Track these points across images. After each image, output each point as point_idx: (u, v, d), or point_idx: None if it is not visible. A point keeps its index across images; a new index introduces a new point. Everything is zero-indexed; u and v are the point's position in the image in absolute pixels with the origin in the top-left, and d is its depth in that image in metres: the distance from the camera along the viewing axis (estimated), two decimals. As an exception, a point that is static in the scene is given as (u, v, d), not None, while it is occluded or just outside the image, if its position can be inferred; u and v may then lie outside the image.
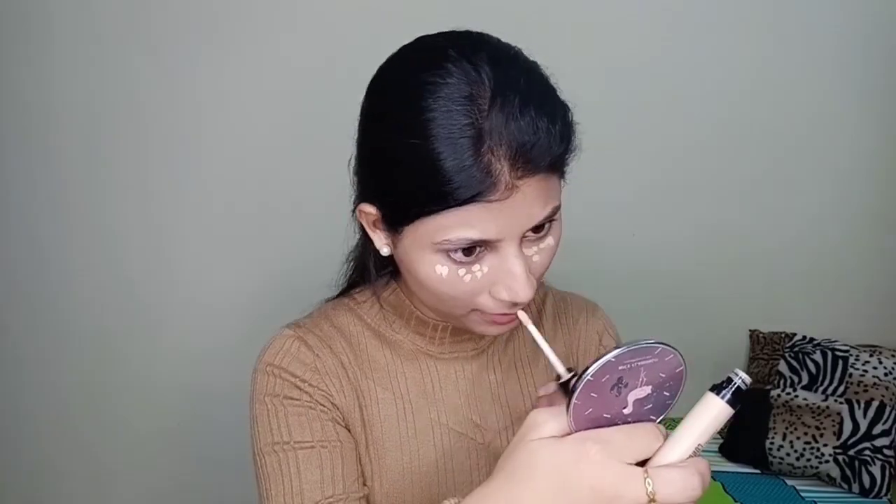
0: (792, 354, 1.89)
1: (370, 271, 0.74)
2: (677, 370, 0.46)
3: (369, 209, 0.64)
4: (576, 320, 0.82)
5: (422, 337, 0.75)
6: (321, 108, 1.64)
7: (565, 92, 0.63)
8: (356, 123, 0.65)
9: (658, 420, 0.47)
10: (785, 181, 1.97)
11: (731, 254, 1.99)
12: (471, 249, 0.59)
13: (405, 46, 0.63)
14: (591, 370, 0.43)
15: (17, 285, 1.79)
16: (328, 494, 0.66)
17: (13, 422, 1.85)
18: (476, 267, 0.60)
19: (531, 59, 0.62)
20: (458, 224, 0.57)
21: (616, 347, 0.43)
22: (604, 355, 0.43)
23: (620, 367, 0.43)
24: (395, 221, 0.62)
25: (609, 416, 0.45)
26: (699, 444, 0.45)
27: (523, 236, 0.60)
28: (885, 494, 1.70)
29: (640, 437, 0.45)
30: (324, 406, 0.70)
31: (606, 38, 1.78)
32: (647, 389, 0.45)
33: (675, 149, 1.90)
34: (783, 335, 1.96)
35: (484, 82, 0.56)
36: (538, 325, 0.79)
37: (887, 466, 1.71)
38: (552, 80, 0.62)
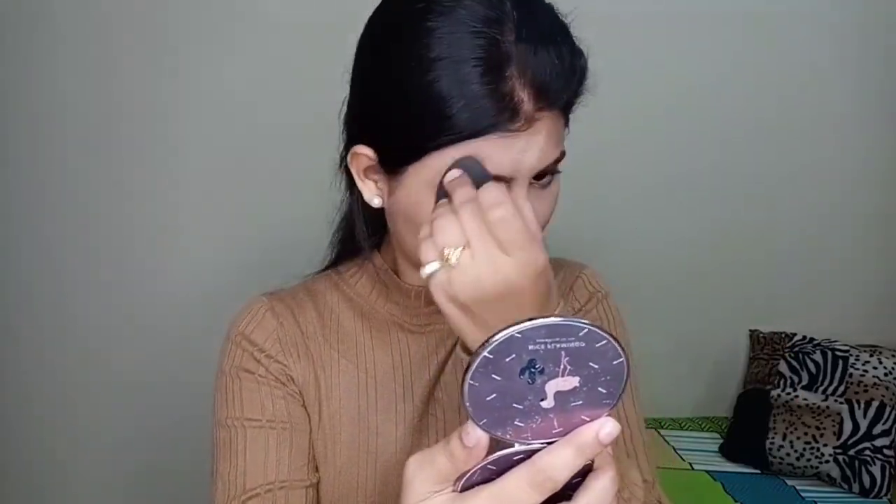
0: (792, 354, 1.89)
1: (360, 229, 0.70)
2: (615, 363, 0.37)
3: (364, 151, 0.61)
4: (570, 285, 0.77)
5: (397, 306, 0.72)
6: (316, 105, 1.64)
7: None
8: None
9: (591, 420, 0.39)
10: (785, 181, 1.97)
11: (731, 254, 1.99)
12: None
13: None
14: (488, 346, 0.35)
15: (6, 277, 1.79)
16: (270, 479, 0.64)
17: (10, 419, 1.85)
18: None
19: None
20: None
21: (528, 320, 0.35)
22: (507, 327, 0.35)
23: (531, 347, 0.36)
24: (397, 162, 0.58)
25: (521, 406, 0.38)
26: None
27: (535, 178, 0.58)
28: (885, 494, 1.70)
29: (509, 495, 0.37)
30: (279, 381, 0.68)
31: (608, 36, 1.77)
32: (574, 381, 0.37)
33: (676, 149, 1.90)
34: (783, 335, 1.96)
35: (506, 7, 0.54)
36: None
37: (887, 466, 1.71)
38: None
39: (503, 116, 0.53)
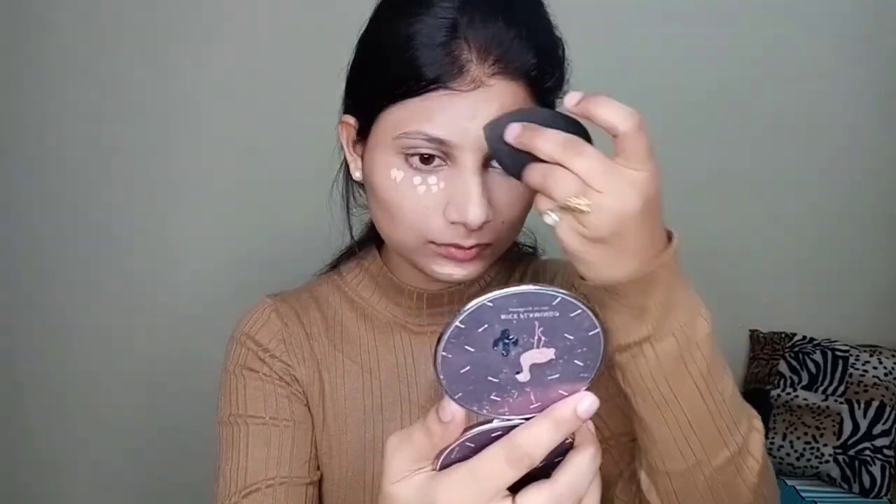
0: (792, 354, 1.89)
1: (346, 218, 0.73)
2: (590, 333, 0.36)
3: (349, 120, 0.65)
4: (552, 279, 0.77)
5: (399, 307, 0.72)
6: (320, 105, 1.64)
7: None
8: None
9: (569, 394, 0.38)
10: (785, 181, 1.97)
11: (731, 253, 1.99)
12: (430, 158, 0.58)
13: None
14: (460, 316, 0.35)
15: (8, 278, 1.79)
16: (272, 475, 0.65)
17: (11, 419, 1.85)
18: (432, 179, 0.58)
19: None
20: (419, 116, 0.56)
21: (499, 288, 0.34)
22: (478, 296, 0.35)
23: (503, 317, 0.35)
24: (365, 122, 0.62)
25: (496, 379, 0.36)
26: None
27: (488, 163, 0.58)
28: (885, 494, 1.70)
29: (485, 472, 0.36)
30: (282, 380, 0.69)
31: (606, 35, 1.77)
32: (550, 353, 0.36)
33: (675, 150, 1.89)
34: (783, 335, 1.96)
35: None
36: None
37: (887, 466, 1.71)
38: (558, 28, 0.63)
39: (449, 71, 0.55)
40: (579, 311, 0.36)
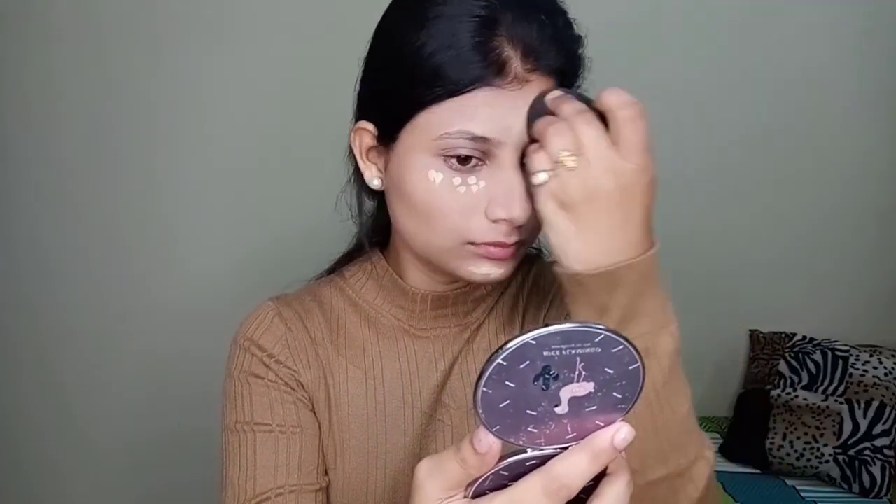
0: (792, 354, 1.89)
1: (360, 223, 0.72)
2: (630, 368, 0.37)
3: (366, 126, 0.63)
4: (550, 282, 0.76)
5: (402, 310, 0.71)
6: (324, 105, 1.64)
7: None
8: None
9: (605, 425, 0.39)
10: (785, 181, 1.97)
11: (731, 253, 1.99)
12: (467, 159, 0.58)
13: None
14: (502, 353, 0.35)
15: (7, 277, 1.79)
16: (280, 483, 0.64)
17: (12, 420, 1.85)
18: (472, 179, 0.58)
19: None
20: (460, 115, 0.56)
21: (542, 326, 0.35)
22: (522, 334, 0.35)
23: (546, 353, 0.35)
24: (392, 128, 0.60)
25: (535, 413, 0.37)
26: None
27: (523, 161, 0.58)
28: (885, 494, 1.70)
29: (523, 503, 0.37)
30: (288, 386, 0.68)
31: (610, 41, 1.77)
32: (589, 387, 0.37)
33: (675, 149, 1.89)
34: (783, 335, 1.96)
35: None
36: (519, 295, 0.75)
37: (887, 466, 1.71)
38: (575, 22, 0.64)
39: (491, 70, 0.55)
40: (621, 346, 0.36)
